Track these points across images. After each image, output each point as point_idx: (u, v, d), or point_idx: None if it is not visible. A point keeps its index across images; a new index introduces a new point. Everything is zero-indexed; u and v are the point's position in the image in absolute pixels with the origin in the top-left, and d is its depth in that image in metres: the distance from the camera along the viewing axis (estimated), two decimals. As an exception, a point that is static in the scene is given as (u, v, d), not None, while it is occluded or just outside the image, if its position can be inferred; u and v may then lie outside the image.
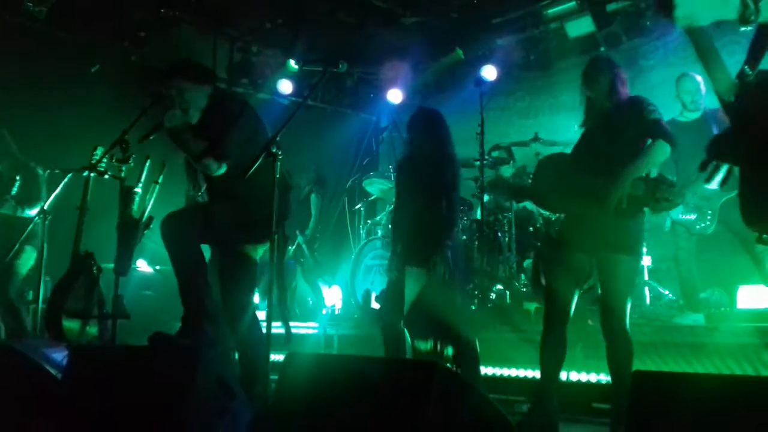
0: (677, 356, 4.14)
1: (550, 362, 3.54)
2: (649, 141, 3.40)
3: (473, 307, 5.82)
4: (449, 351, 4.31)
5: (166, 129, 3.58)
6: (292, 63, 7.95)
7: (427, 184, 4.30)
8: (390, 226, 4.77)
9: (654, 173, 3.49)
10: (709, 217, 4.80)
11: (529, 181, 6.16)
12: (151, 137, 3.77)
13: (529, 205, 6.36)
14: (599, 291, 3.59)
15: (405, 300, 4.28)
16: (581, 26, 7.00)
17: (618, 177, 3.29)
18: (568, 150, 6.35)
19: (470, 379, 4.06)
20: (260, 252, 3.79)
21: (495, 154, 6.71)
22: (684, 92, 5.14)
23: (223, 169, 3.55)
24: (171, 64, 3.84)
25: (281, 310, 3.52)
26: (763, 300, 4.95)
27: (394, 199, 7.16)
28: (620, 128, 3.44)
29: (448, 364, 4.22)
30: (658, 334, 4.40)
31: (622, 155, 3.38)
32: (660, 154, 3.36)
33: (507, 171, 6.76)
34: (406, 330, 4.35)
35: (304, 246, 7.35)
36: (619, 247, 3.38)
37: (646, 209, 3.40)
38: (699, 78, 5.14)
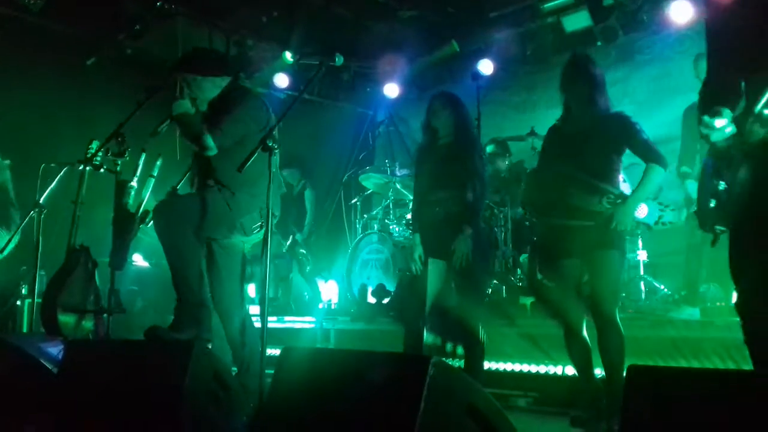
0: (672, 351, 4.15)
1: (578, 363, 3.65)
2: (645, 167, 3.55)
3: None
4: (459, 343, 4.28)
5: (173, 117, 3.56)
6: (287, 55, 7.92)
7: (453, 171, 4.15)
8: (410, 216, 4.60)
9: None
10: None
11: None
12: (162, 129, 3.75)
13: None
14: (589, 289, 3.64)
15: (428, 294, 4.17)
16: (578, 20, 7.00)
17: (627, 203, 3.47)
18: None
19: (474, 371, 4.05)
20: (248, 246, 3.79)
21: (490, 148, 6.71)
22: (704, 73, 5.04)
23: (214, 150, 3.51)
24: (185, 54, 3.85)
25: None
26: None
27: (390, 193, 7.22)
28: (603, 144, 3.55)
29: (453, 359, 4.21)
30: (653, 329, 4.41)
31: (606, 170, 3.55)
32: (657, 178, 3.54)
33: (503, 165, 6.76)
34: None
35: (302, 243, 7.34)
36: (606, 244, 3.49)
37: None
38: None
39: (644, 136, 3.55)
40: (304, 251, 7.32)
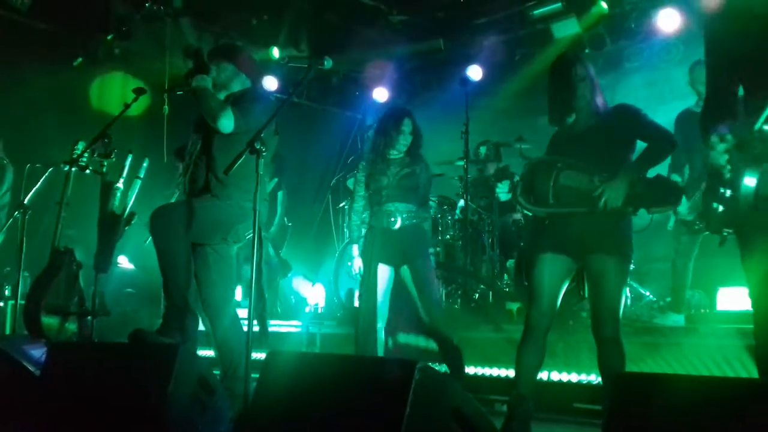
0: (657, 357, 4.16)
1: (529, 367, 3.36)
2: (647, 144, 3.30)
3: (456, 306, 5.83)
4: (434, 348, 4.36)
5: (192, 87, 3.59)
6: (274, 51, 7.85)
7: (409, 185, 4.46)
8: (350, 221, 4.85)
9: (652, 173, 3.36)
10: None
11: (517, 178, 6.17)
12: (178, 92, 3.80)
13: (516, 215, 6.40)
14: (585, 294, 3.47)
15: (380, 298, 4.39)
16: (567, 27, 7.03)
17: (618, 176, 3.18)
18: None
19: (454, 377, 4.10)
20: (235, 248, 3.79)
21: (483, 150, 6.73)
22: (699, 83, 4.94)
23: (230, 128, 3.53)
24: (229, 43, 3.94)
25: (258, 309, 3.49)
26: (742, 302, 5.00)
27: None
28: (609, 135, 3.32)
29: (433, 363, 4.25)
30: (638, 335, 4.42)
31: (616, 158, 3.29)
32: (662, 154, 3.30)
33: (491, 168, 6.78)
34: (381, 330, 4.45)
35: (268, 244, 7.27)
36: (610, 248, 3.22)
37: (641, 209, 3.29)
38: None
39: (648, 118, 3.32)
40: (271, 253, 7.22)
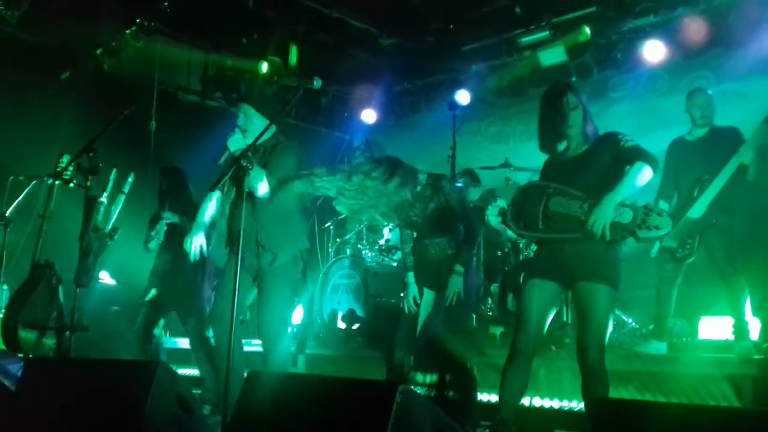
0: (639, 384, 4.17)
1: (514, 391, 3.36)
2: (628, 166, 3.28)
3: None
4: (449, 375, 4.27)
5: (237, 160, 3.57)
6: (263, 66, 7.85)
7: (446, 218, 4.31)
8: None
9: (641, 201, 3.33)
10: (688, 246, 4.77)
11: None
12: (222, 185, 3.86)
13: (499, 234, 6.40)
14: (564, 318, 3.51)
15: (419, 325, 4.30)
16: (554, 55, 7.12)
17: (600, 203, 3.20)
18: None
19: (467, 403, 4.08)
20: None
21: (461, 182, 6.75)
22: (695, 107, 4.97)
23: (269, 194, 3.79)
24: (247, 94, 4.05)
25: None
26: (723, 331, 5.02)
27: (363, 218, 7.20)
28: (596, 162, 3.36)
29: (447, 390, 4.20)
30: (621, 362, 4.42)
31: (601, 184, 3.29)
32: (641, 175, 3.24)
33: (474, 194, 6.80)
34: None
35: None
36: (598, 276, 3.23)
37: (629, 238, 3.27)
38: (710, 92, 5.01)
39: (632, 143, 3.31)
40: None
